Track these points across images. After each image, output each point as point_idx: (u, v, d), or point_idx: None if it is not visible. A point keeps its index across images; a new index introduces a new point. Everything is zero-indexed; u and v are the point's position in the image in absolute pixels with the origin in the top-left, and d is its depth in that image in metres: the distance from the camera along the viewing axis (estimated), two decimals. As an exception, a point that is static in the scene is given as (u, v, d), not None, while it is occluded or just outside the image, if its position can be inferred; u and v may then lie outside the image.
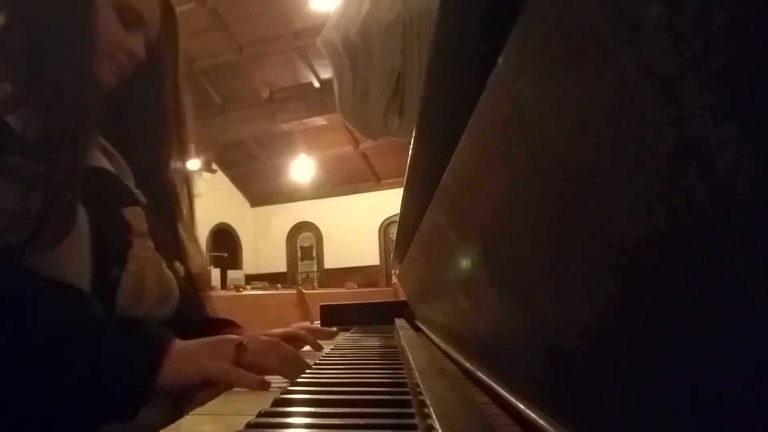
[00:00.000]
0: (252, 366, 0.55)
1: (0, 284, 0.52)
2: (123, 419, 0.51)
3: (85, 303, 0.56)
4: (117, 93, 0.73)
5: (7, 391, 0.49)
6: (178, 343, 0.56)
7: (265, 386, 0.53)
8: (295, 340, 0.87)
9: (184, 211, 0.83)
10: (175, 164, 0.82)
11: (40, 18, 0.66)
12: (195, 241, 0.84)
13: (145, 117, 0.79)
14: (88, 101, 0.65)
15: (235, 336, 0.60)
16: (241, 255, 9.53)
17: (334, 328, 1.13)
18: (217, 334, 0.77)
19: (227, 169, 9.20)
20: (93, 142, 0.67)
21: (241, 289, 5.49)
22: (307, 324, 1.20)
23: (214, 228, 8.96)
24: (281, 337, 0.83)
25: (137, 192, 0.73)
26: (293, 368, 0.58)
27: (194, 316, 0.70)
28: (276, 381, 0.56)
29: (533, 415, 0.31)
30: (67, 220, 0.58)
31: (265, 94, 7.33)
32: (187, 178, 0.85)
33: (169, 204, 0.80)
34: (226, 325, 0.85)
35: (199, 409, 0.45)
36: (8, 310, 0.50)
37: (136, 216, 0.68)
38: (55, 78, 0.64)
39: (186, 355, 0.54)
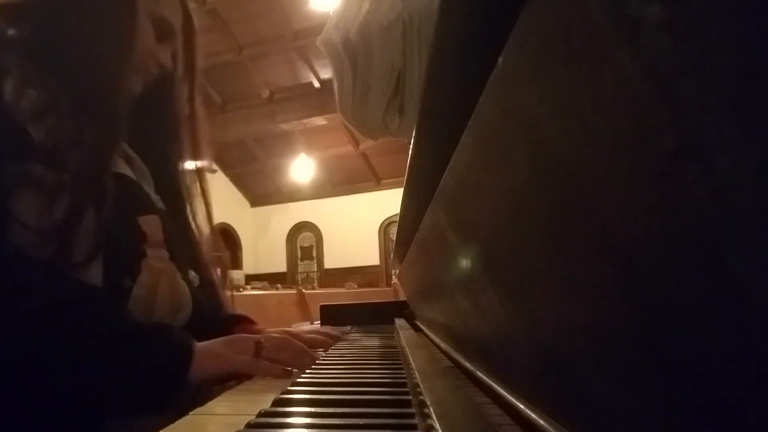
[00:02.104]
0: (269, 360, 0.62)
1: (43, 292, 0.55)
2: (152, 413, 0.55)
3: (119, 309, 0.60)
4: (139, 99, 0.73)
5: (47, 389, 0.53)
6: (201, 343, 0.61)
7: (287, 374, 0.61)
8: (316, 345, 0.90)
9: (200, 212, 0.83)
10: (189, 166, 0.83)
11: (78, 24, 0.66)
12: (213, 241, 0.85)
13: (163, 122, 0.80)
14: (117, 114, 0.66)
15: (250, 335, 0.65)
16: (241, 255, 9.52)
17: (348, 327, 1.13)
18: (233, 329, 0.82)
19: (227, 169, 9.19)
20: (117, 152, 0.68)
21: (241, 289, 5.49)
22: (306, 324, 1.21)
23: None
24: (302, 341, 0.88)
25: (156, 198, 0.74)
26: (304, 361, 0.64)
27: (209, 324, 0.71)
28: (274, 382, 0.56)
29: (533, 415, 0.31)
30: (99, 231, 0.59)
31: (265, 94, 7.33)
32: (202, 178, 0.85)
33: (184, 208, 0.81)
34: (240, 321, 0.86)
35: (199, 409, 0.45)
36: (48, 314, 0.54)
37: (152, 225, 0.67)
38: (89, 89, 0.64)
39: (211, 351, 0.60)
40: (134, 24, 0.67)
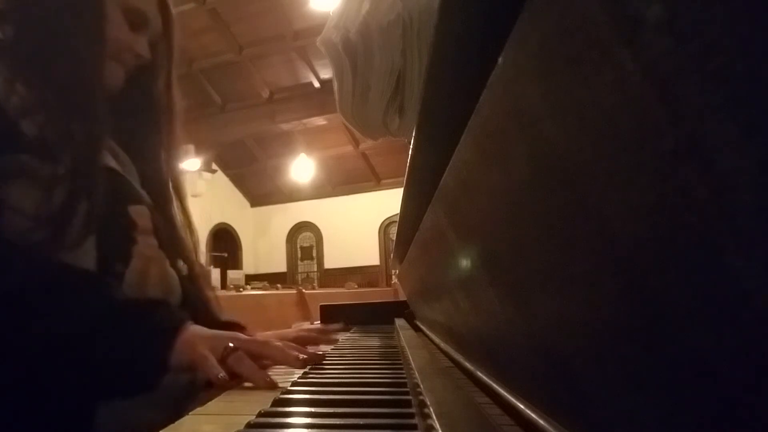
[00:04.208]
0: (230, 368, 0.57)
1: (27, 271, 0.55)
2: (142, 392, 0.55)
3: (107, 286, 0.60)
4: (121, 92, 0.74)
5: (35, 368, 0.53)
6: (191, 327, 0.59)
7: (230, 386, 0.55)
8: (306, 341, 0.89)
9: (180, 212, 0.83)
10: (169, 164, 0.83)
11: (51, 22, 0.66)
12: (192, 241, 0.84)
13: (145, 117, 0.80)
14: (99, 104, 0.66)
15: (233, 336, 0.61)
16: (241, 255, 9.53)
17: (338, 324, 1.09)
18: None
19: (227, 169, 9.19)
20: (105, 144, 0.68)
21: (241, 289, 5.49)
22: (306, 324, 1.21)
23: (214, 228, 8.96)
24: (292, 340, 0.86)
25: (143, 192, 0.74)
26: (259, 378, 0.57)
27: (197, 315, 0.70)
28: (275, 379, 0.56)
29: (533, 415, 0.31)
30: (90, 220, 0.59)
31: (265, 94, 7.33)
32: (178, 178, 0.84)
33: (169, 204, 0.81)
34: (230, 328, 0.85)
35: (199, 409, 0.45)
36: (34, 295, 0.54)
37: (141, 214, 0.69)
38: (68, 82, 0.65)
39: (189, 338, 0.58)
40: (102, 12, 0.67)
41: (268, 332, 0.88)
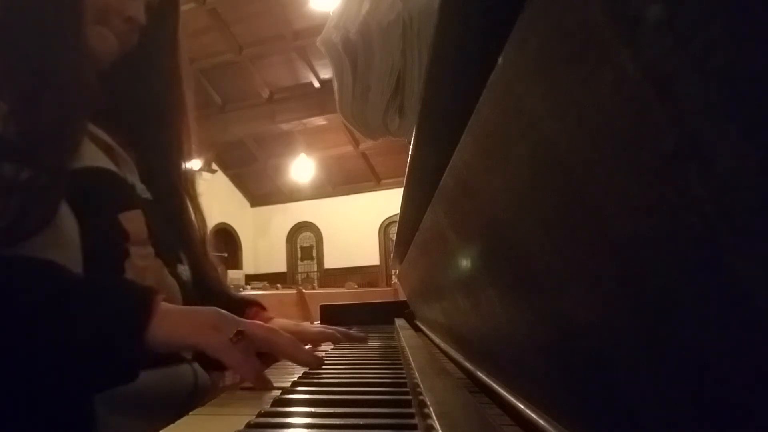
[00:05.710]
0: (240, 354, 0.53)
1: None
2: (122, 380, 0.49)
3: (57, 270, 0.52)
4: (118, 71, 0.68)
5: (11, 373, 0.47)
6: (174, 306, 0.54)
7: (255, 378, 0.53)
8: (327, 339, 0.87)
9: (190, 204, 0.79)
10: (182, 160, 0.77)
11: None
12: (201, 232, 0.80)
13: (149, 99, 0.74)
14: (79, 76, 0.59)
15: (240, 319, 0.56)
16: (241, 255, 9.53)
17: (364, 334, 1.01)
18: (244, 313, 0.75)
19: (227, 169, 9.19)
20: (84, 134, 0.61)
21: (241, 289, 5.49)
22: (307, 324, 1.20)
23: (214, 228, 8.87)
24: (314, 336, 0.84)
25: (141, 187, 0.69)
26: (263, 380, 0.54)
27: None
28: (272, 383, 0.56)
29: (533, 415, 0.31)
30: (46, 212, 0.52)
31: (265, 94, 7.33)
32: (189, 176, 0.80)
33: (176, 200, 0.76)
34: (251, 306, 0.83)
35: (199, 409, 0.45)
36: None
37: (134, 221, 0.63)
38: (39, 54, 0.57)
39: (184, 316, 0.53)
40: None
41: (287, 322, 0.84)
